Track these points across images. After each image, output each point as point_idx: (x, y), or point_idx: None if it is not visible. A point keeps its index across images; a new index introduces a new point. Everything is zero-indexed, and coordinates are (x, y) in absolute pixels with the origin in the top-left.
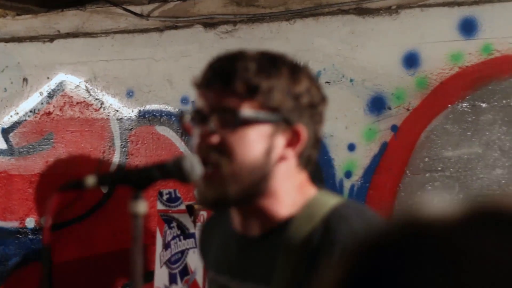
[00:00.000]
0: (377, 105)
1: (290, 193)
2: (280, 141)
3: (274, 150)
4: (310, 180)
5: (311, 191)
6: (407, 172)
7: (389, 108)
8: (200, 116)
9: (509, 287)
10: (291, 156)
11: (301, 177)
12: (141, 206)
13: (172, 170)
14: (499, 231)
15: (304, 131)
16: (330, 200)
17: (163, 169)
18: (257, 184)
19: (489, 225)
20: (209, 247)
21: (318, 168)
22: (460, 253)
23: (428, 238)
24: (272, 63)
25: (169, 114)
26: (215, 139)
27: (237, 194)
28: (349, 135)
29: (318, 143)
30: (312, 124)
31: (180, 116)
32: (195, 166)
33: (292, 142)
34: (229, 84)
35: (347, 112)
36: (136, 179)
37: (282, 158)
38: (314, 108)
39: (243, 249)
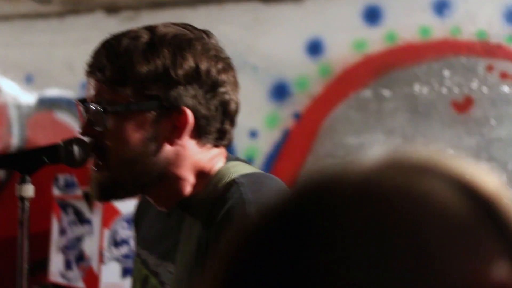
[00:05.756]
0: (280, 92)
1: (195, 171)
2: (163, 126)
3: (157, 138)
4: (225, 153)
5: (219, 163)
6: (309, 159)
7: (292, 95)
8: (83, 105)
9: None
10: (181, 138)
11: (212, 153)
12: (28, 190)
13: (61, 154)
14: None
15: (189, 112)
16: (236, 171)
17: (51, 153)
18: (144, 174)
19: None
20: (141, 223)
21: None
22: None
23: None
24: (152, 45)
25: (69, 100)
26: (90, 131)
27: (122, 186)
28: (251, 122)
29: (228, 114)
30: (210, 99)
31: (75, 102)
32: (83, 150)
33: (179, 125)
34: (103, 72)
35: (250, 99)
36: (23, 163)
37: (170, 143)
38: (211, 83)
39: (158, 224)
